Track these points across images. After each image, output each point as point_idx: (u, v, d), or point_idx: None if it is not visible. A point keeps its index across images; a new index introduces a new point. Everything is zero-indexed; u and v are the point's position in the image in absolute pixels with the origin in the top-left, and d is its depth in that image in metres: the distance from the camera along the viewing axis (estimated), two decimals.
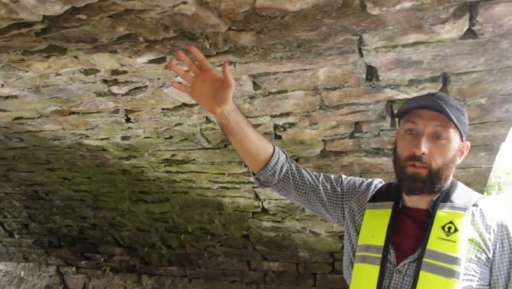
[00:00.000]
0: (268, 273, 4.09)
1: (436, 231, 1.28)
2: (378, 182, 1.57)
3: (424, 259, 1.24)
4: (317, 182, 1.57)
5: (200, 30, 1.45)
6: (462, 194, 1.37)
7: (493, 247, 1.26)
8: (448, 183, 1.37)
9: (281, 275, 3.99)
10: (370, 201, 1.48)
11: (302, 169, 1.60)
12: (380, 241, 1.34)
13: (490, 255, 1.26)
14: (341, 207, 1.54)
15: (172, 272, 4.60)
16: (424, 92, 1.77)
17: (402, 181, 1.34)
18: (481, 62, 1.59)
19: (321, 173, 1.62)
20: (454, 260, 1.22)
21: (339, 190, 1.56)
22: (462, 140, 1.35)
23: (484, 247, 1.26)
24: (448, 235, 1.26)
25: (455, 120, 1.27)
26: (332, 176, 1.61)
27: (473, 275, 1.23)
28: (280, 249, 3.75)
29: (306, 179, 1.57)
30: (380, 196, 1.47)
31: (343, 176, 1.61)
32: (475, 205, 1.32)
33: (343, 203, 1.54)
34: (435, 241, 1.26)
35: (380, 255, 1.32)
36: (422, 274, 1.23)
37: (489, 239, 1.26)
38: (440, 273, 1.21)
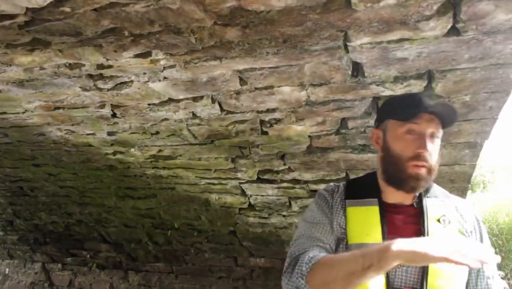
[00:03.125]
0: (255, 269, 4.11)
1: (433, 224, 1.36)
2: (332, 184, 1.58)
3: None
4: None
5: (186, 24, 1.44)
6: (438, 189, 1.49)
7: (470, 234, 1.41)
8: None
9: (268, 271, 4.00)
10: (347, 198, 1.48)
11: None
12: (377, 238, 1.36)
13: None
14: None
15: (159, 268, 4.59)
16: (410, 89, 1.80)
17: (405, 180, 1.36)
18: (465, 59, 1.61)
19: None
20: None
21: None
22: None
23: (465, 234, 1.39)
24: (444, 227, 1.36)
25: (449, 123, 1.39)
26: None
27: None
28: (267, 245, 3.76)
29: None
30: (355, 192, 1.49)
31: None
32: (450, 198, 1.47)
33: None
34: (436, 234, 1.34)
35: None
36: (431, 265, 1.29)
37: (468, 228, 1.41)
38: None
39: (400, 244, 1.19)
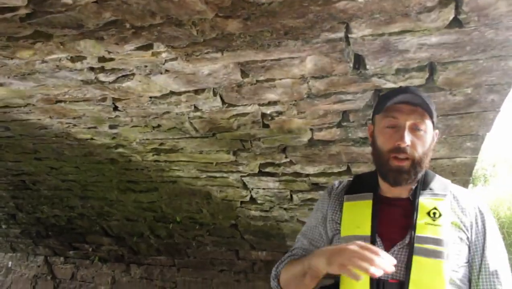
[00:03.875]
0: (256, 262, 4.12)
1: (422, 218, 1.36)
2: (336, 182, 1.65)
3: (415, 245, 1.32)
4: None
5: (187, 16, 1.44)
6: (437, 181, 1.48)
7: (470, 227, 1.39)
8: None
9: (269, 264, 4.01)
10: (347, 193, 1.53)
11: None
12: (366, 231, 1.39)
13: (469, 235, 1.38)
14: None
15: (161, 262, 4.61)
16: (411, 82, 1.80)
17: (387, 174, 1.40)
18: (466, 51, 1.60)
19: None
20: (441, 243, 1.32)
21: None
22: (433, 129, 1.44)
23: (463, 228, 1.38)
24: (434, 220, 1.35)
25: (432, 112, 1.38)
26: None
27: (457, 255, 1.35)
28: (268, 238, 3.78)
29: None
30: (356, 188, 1.53)
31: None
32: (449, 191, 1.45)
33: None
34: (423, 227, 1.34)
35: None
36: (415, 258, 1.30)
37: (467, 221, 1.39)
38: (431, 255, 1.30)
39: (317, 254, 1.31)
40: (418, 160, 1.37)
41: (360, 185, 1.53)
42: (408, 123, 1.36)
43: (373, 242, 1.36)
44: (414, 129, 1.37)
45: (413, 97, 1.37)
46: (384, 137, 1.40)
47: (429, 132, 1.40)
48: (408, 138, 1.34)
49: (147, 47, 1.66)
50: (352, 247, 1.18)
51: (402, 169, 1.36)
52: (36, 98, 2.25)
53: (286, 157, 2.62)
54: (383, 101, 1.42)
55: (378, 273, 1.10)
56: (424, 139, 1.38)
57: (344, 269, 1.17)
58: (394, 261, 1.15)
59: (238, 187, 3.14)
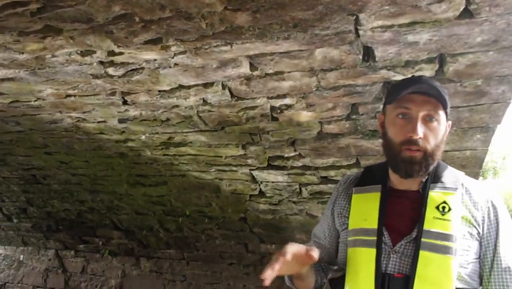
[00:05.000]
0: (266, 256, 4.13)
1: (431, 212, 1.33)
2: (346, 176, 1.63)
3: (422, 239, 1.29)
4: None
5: (196, 9, 1.44)
6: (449, 174, 1.43)
7: (482, 222, 1.34)
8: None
9: None
10: (356, 185, 1.50)
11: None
12: (373, 224, 1.37)
13: (480, 230, 1.34)
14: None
15: (170, 255, 4.64)
16: (421, 74, 1.79)
17: (398, 165, 1.35)
18: (477, 42, 1.59)
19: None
20: (450, 238, 1.28)
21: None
22: (446, 120, 1.39)
23: (474, 223, 1.34)
24: (443, 215, 1.31)
25: (446, 103, 1.33)
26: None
27: (466, 250, 1.31)
28: (277, 232, 3.79)
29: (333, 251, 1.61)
30: (365, 180, 1.50)
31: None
32: (461, 184, 1.39)
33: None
34: (431, 221, 1.31)
35: (375, 238, 1.35)
36: (422, 253, 1.28)
37: (478, 215, 1.35)
38: (438, 251, 1.28)
39: None
40: (430, 152, 1.32)
41: (369, 177, 1.50)
42: (421, 114, 1.31)
43: (379, 235, 1.34)
44: (427, 120, 1.32)
45: (427, 87, 1.32)
46: (396, 128, 1.35)
47: (442, 123, 1.35)
48: (420, 130, 1.30)
49: (156, 41, 1.67)
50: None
51: (414, 160, 1.31)
52: (46, 92, 2.27)
53: (295, 150, 2.62)
54: (396, 90, 1.38)
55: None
56: (437, 130, 1.33)
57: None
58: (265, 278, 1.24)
59: (247, 181, 3.14)
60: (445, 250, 1.27)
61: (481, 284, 1.35)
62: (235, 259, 4.33)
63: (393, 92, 1.40)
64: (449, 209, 1.32)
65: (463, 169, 2.51)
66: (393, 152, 1.36)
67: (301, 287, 1.50)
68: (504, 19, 1.45)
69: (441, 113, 1.34)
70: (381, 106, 2.04)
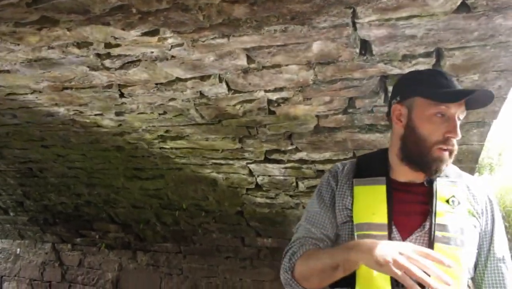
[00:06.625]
0: (262, 249, 4.15)
1: (442, 205, 1.34)
2: (339, 165, 1.56)
3: (436, 232, 1.30)
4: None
5: (194, 1, 1.44)
6: (450, 168, 1.43)
7: (481, 214, 1.39)
8: None
9: (275, 251, 4.04)
10: (356, 176, 1.46)
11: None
12: (382, 218, 1.34)
13: (480, 222, 1.39)
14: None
15: (167, 249, 4.65)
16: (418, 68, 1.78)
17: (429, 163, 1.33)
18: (474, 37, 1.59)
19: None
20: (460, 230, 1.31)
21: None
22: None
23: (476, 215, 1.38)
24: (453, 208, 1.34)
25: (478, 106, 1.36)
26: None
27: (471, 242, 1.35)
28: (274, 225, 3.79)
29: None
30: (365, 171, 1.46)
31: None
32: (461, 177, 1.44)
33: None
34: (443, 214, 1.32)
35: (386, 233, 1.32)
36: (436, 246, 1.29)
37: (478, 208, 1.39)
38: (451, 243, 1.30)
39: (361, 249, 1.20)
40: (455, 151, 1.34)
41: (368, 168, 1.47)
42: (457, 114, 1.31)
43: (390, 229, 1.33)
44: (458, 120, 1.32)
45: (464, 89, 1.35)
46: (433, 126, 1.31)
47: None
48: (459, 130, 1.30)
49: (153, 32, 1.66)
50: (407, 251, 1.12)
51: (444, 159, 1.31)
52: (43, 85, 2.26)
53: (292, 144, 2.62)
54: (435, 85, 1.33)
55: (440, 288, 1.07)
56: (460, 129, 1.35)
57: (400, 276, 1.10)
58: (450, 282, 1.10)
59: (244, 174, 3.15)
60: (457, 242, 1.30)
61: (475, 272, 1.40)
62: (232, 253, 4.34)
63: (426, 84, 1.35)
64: (458, 203, 1.35)
65: (459, 164, 2.52)
66: (423, 149, 1.33)
67: (319, 283, 1.39)
68: (501, 14, 1.45)
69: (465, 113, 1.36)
70: (379, 100, 2.05)
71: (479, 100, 1.33)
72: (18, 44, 1.82)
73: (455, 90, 1.32)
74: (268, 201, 3.45)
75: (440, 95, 1.31)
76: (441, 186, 1.37)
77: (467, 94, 1.30)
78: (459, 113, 1.32)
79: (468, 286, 1.38)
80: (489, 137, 2.34)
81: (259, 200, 3.47)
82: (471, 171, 2.60)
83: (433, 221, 1.31)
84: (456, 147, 1.33)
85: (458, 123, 1.32)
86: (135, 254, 4.85)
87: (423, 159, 1.33)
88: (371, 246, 1.17)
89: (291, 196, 3.29)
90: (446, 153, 1.31)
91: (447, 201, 1.34)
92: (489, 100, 1.33)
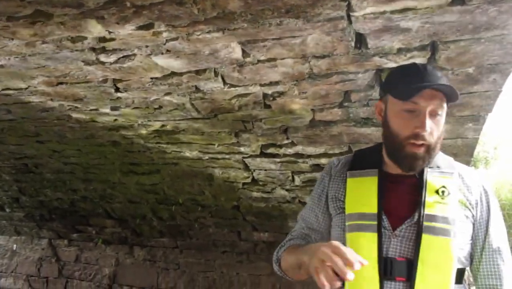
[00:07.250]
0: (258, 244, 4.16)
1: (431, 195, 1.36)
2: (334, 160, 1.61)
3: (424, 223, 1.32)
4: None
5: None
6: (442, 159, 1.47)
7: (476, 205, 1.40)
8: None
9: (271, 245, 4.05)
10: (350, 169, 1.51)
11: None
12: (372, 208, 1.37)
13: (474, 213, 1.40)
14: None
15: (164, 243, 4.66)
16: (413, 61, 1.78)
17: (402, 160, 1.36)
18: (469, 30, 1.59)
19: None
20: (450, 221, 1.33)
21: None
22: None
23: (469, 206, 1.39)
24: (443, 198, 1.35)
25: (455, 98, 1.33)
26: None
27: (463, 232, 1.37)
28: (270, 220, 3.80)
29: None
30: (359, 164, 1.51)
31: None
32: (454, 168, 1.45)
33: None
34: (432, 205, 1.34)
35: (375, 222, 1.36)
36: (424, 236, 1.31)
37: (472, 199, 1.40)
38: (439, 233, 1.31)
39: (307, 252, 1.26)
40: (433, 145, 1.34)
41: (363, 161, 1.51)
42: (428, 109, 1.31)
43: (379, 219, 1.35)
44: (432, 115, 1.32)
45: (437, 81, 1.31)
46: (402, 121, 1.34)
47: (444, 115, 1.36)
48: (428, 125, 1.30)
49: (148, 26, 1.65)
50: (323, 250, 1.15)
51: (418, 156, 1.33)
52: (37, 80, 2.25)
53: (287, 138, 2.62)
54: (401, 82, 1.36)
55: (350, 277, 1.07)
56: (440, 123, 1.34)
57: (317, 275, 1.14)
58: (365, 262, 1.12)
59: (239, 169, 3.15)
60: (446, 233, 1.31)
61: (471, 263, 1.42)
62: (228, 247, 4.35)
63: (398, 83, 1.38)
64: (448, 193, 1.36)
65: (454, 157, 2.50)
66: (396, 145, 1.36)
67: (296, 276, 1.50)
68: (496, 7, 1.45)
69: (445, 106, 1.34)
70: (374, 94, 2.06)
71: (447, 93, 1.32)
72: (12, 39, 1.80)
73: (412, 87, 1.31)
74: (264, 195, 3.46)
75: (400, 93, 1.34)
76: (432, 177, 1.40)
77: (418, 91, 1.30)
78: (434, 108, 1.31)
79: (464, 279, 1.40)
80: (485, 131, 2.35)
81: (255, 194, 3.47)
82: (466, 164, 2.60)
83: (422, 212, 1.33)
84: (433, 142, 1.33)
85: (438, 118, 1.33)
86: (132, 249, 4.86)
87: (398, 154, 1.37)
88: (312, 250, 1.23)
89: (287, 190, 3.30)
90: (422, 149, 1.32)
91: (437, 192, 1.36)
92: (453, 93, 1.32)
